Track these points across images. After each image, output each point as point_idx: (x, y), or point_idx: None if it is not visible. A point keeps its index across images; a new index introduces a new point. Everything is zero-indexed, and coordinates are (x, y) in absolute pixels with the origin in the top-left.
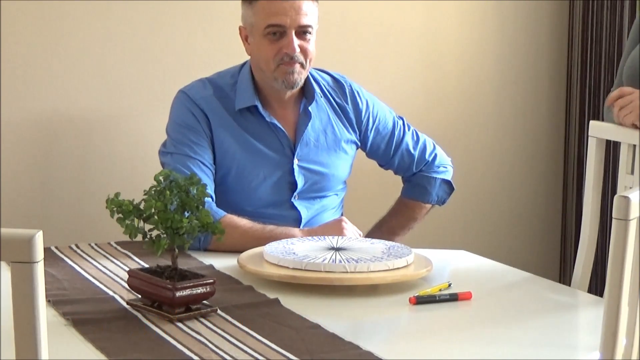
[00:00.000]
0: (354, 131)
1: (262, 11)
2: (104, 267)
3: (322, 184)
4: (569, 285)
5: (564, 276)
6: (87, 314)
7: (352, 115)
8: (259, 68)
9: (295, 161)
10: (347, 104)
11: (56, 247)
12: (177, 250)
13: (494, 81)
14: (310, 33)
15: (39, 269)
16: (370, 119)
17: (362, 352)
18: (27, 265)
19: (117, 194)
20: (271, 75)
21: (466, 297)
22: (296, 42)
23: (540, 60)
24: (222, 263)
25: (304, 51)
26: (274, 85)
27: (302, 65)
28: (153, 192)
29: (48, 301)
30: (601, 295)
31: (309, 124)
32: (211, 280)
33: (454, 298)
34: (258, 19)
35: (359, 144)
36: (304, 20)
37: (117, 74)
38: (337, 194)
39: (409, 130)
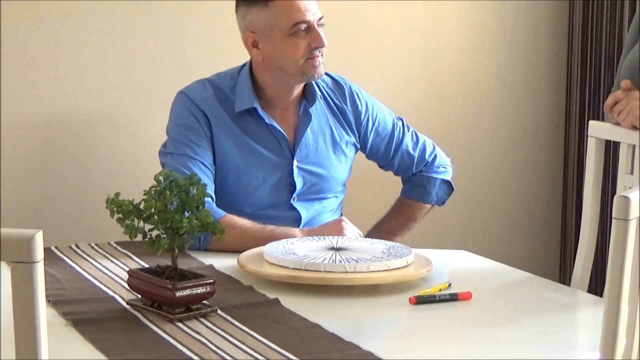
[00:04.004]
0: (353, 133)
1: (285, 11)
2: (104, 267)
3: (321, 186)
4: (569, 285)
5: (564, 276)
6: (87, 314)
7: (351, 118)
8: (280, 68)
9: (295, 163)
10: (347, 105)
11: (56, 247)
12: (177, 250)
13: (494, 81)
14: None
15: (39, 269)
16: (370, 120)
17: (362, 352)
18: (27, 265)
19: (117, 194)
20: (299, 71)
21: (466, 297)
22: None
23: (540, 60)
24: (222, 263)
25: None
26: (300, 80)
27: (322, 55)
28: (153, 192)
29: (48, 301)
30: (601, 295)
31: (309, 126)
32: (211, 280)
33: (454, 298)
34: (281, 20)
35: (359, 146)
36: (320, 12)
37: (117, 74)
38: (336, 196)
39: (408, 131)
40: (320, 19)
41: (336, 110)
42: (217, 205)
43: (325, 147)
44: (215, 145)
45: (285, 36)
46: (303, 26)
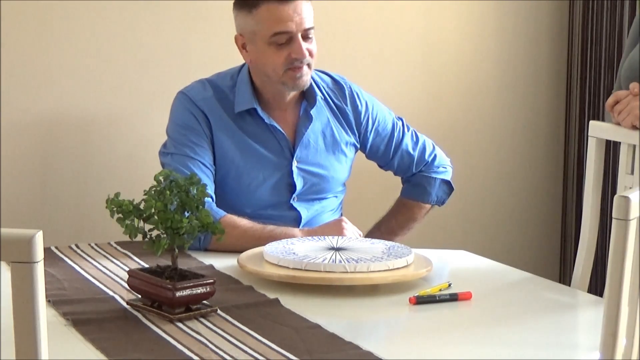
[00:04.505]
0: (353, 133)
1: (266, 19)
2: (104, 267)
3: (321, 186)
4: (569, 285)
5: (564, 276)
6: (87, 314)
7: (351, 118)
8: (264, 74)
9: (295, 163)
10: (347, 105)
11: (56, 247)
12: (177, 250)
13: (494, 81)
14: (312, 35)
15: (39, 269)
16: (370, 120)
17: (362, 352)
18: (27, 265)
19: (117, 194)
20: (279, 80)
21: (466, 297)
22: (304, 46)
23: (540, 60)
24: (222, 263)
25: (309, 53)
26: (283, 89)
27: (309, 66)
28: (153, 192)
29: (48, 301)
30: (601, 295)
31: (309, 127)
32: (211, 280)
33: (454, 298)
34: (262, 27)
35: (359, 146)
36: (307, 24)
37: (117, 74)
38: (336, 196)
39: (408, 131)
40: (308, 29)
41: (336, 110)
42: (217, 205)
43: (325, 147)
44: (215, 145)
45: (265, 44)
46: (284, 37)
